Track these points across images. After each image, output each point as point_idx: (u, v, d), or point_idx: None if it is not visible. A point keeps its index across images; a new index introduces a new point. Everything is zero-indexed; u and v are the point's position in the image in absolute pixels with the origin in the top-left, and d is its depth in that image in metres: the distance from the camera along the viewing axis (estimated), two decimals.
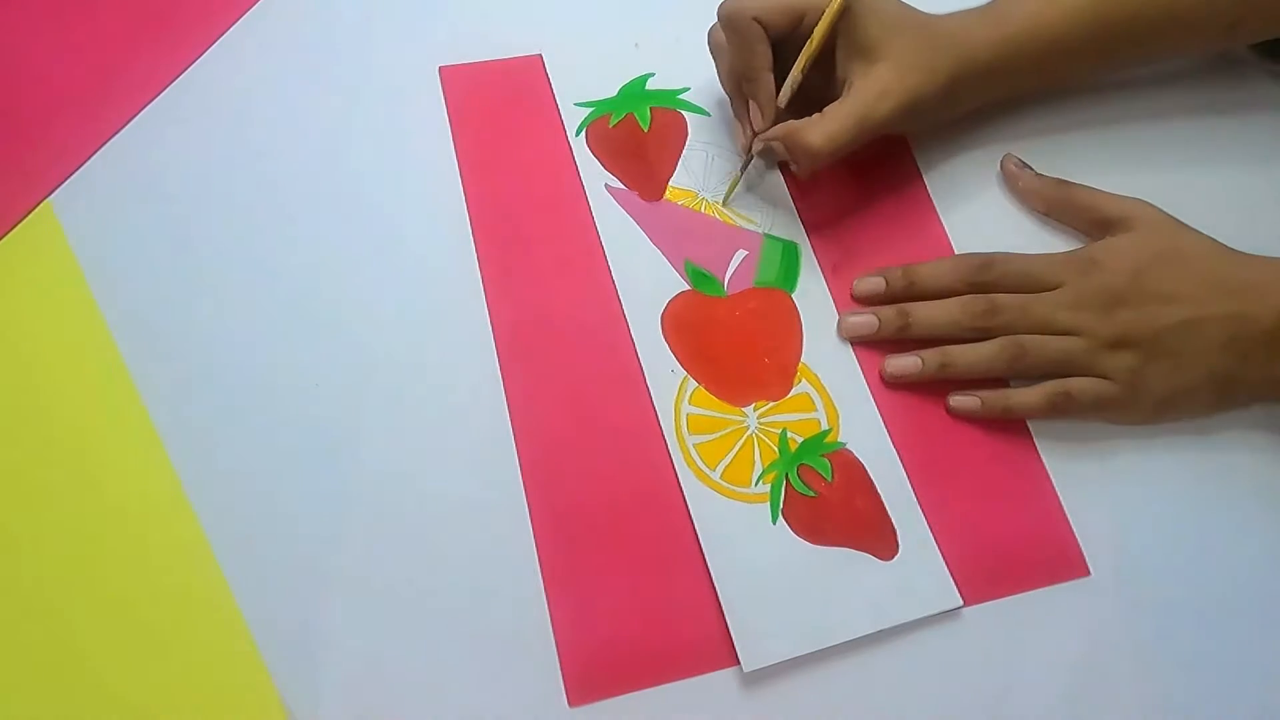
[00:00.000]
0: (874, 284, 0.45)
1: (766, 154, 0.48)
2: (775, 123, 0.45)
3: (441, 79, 0.49)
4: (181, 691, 0.38)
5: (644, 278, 0.46)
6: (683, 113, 0.50)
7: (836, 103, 0.44)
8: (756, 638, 0.39)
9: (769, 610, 0.39)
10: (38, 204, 0.46)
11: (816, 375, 0.44)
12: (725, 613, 0.39)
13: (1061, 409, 0.43)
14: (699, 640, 0.39)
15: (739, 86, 0.46)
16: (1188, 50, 0.50)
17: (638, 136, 0.49)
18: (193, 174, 0.47)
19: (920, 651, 0.40)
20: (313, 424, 0.42)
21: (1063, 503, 0.43)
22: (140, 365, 0.43)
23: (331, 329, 0.44)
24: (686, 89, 0.50)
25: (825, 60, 0.45)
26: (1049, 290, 0.43)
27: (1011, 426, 0.44)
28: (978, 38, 0.45)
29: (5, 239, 0.45)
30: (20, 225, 0.45)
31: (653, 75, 0.51)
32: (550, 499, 0.41)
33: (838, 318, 0.45)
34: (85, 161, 0.47)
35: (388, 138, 0.48)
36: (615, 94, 0.50)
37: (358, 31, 0.51)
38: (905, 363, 0.44)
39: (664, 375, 0.44)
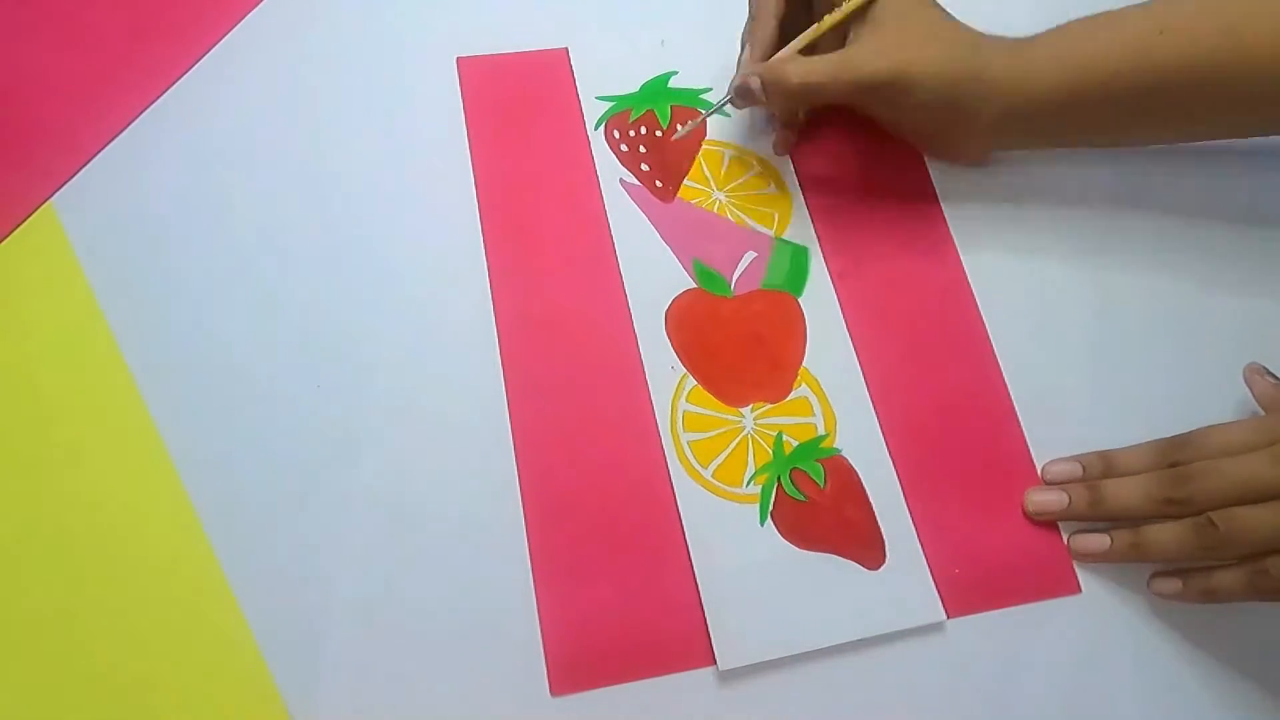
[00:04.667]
0: (1069, 468, 0.43)
1: (745, 95, 0.45)
2: None
3: (458, 70, 0.50)
4: (182, 691, 0.38)
5: (651, 274, 0.46)
6: (703, 112, 0.50)
7: (831, 53, 0.44)
8: (735, 637, 0.39)
9: (749, 611, 0.39)
10: (40, 205, 0.45)
11: (817, 380, 0.44)
12: (705, 610, 0.39)
13: (1263, 590, 0.38)
14: (683, 637, 0.39)
15: (749, 26, 0.46)
16: (1251, 122, 0.45)
17: (656, 133, 0.49)
18: (196, 174, 0.47)
19: (906, 662, 0.40)
20: (314, 423, 0.42)
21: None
22: (142, 366, 0.43)
23: (334, 328, 0.44)
24: (709, 89, 0.50)
25: (840, 34, 0.45)
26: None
27: (1008, 439, 0.44)
28: (1000, 53, 0.44)
29: (7, 240, 0.45)
30: (22, 227, 0.45)
31: (676, 74, 0.51)
32: (544, 490, 0.41)
33: (1026, 494, 0.43)
34: (88, 162, 0.46)
35: (400, 130, 0.48)
36: (637, 90, 0.50)
37: (376, 23, 0.51)
38: (1094, 542, 0.41)
39: (664, 371, 0.44)
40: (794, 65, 0.43)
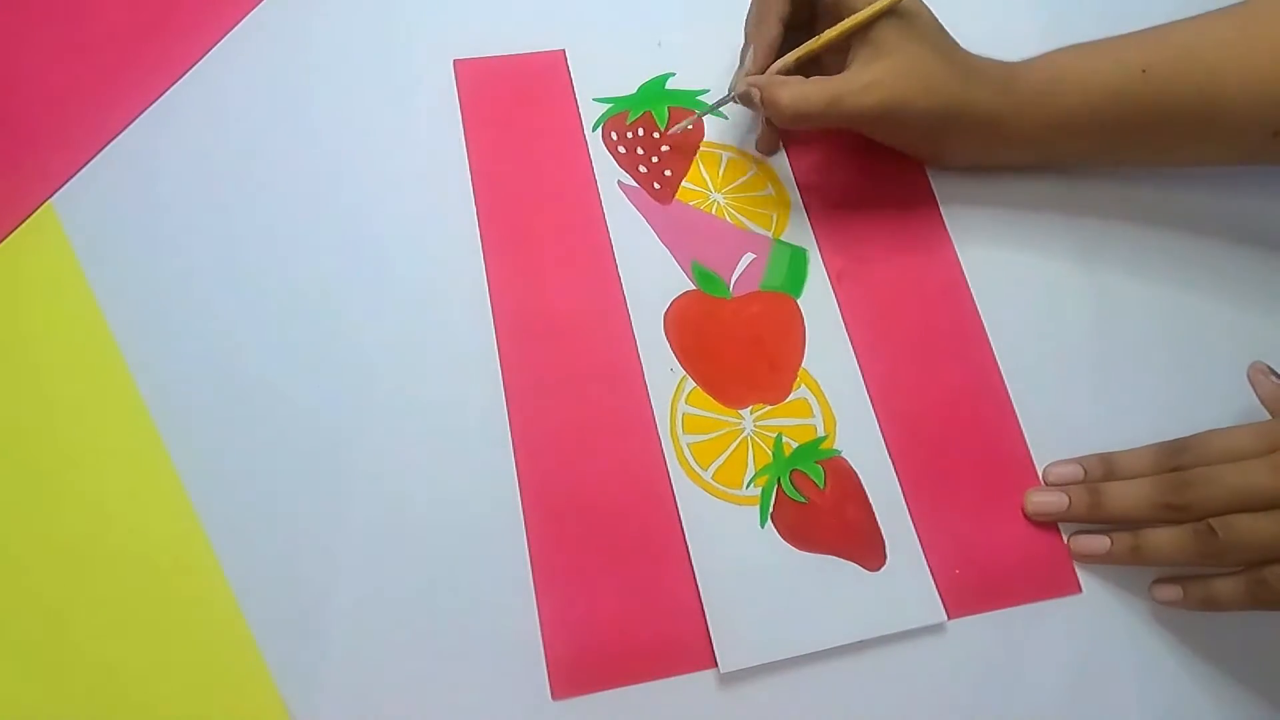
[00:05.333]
0: (1070, 470, 0.43)
1: (746, 101, 0.47)
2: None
3: (455, 72, 0.49)
4: (182, 691, 0.38)
5: (650, 276, 0.46)
6: (697, 113, 0.50)
7: (826, 77, 0.44)
8: (736, 639, 0.39)
9: (750, 613, 0.39)
10: (39, 205, 0.45)
11: (817, 381, 0.44)
12: (706, 612, 0.39)
13: (1262, 600, 0.38)
14: (684, 639, 0.39)
15: (752, 29, 0.46)
16: (1225, 156, 0.47)
17: (654, 135, 0.49)
18: (196, 174, 0.47)
19: (907, 662, 0.40)
20: (314, 423, 0.42)
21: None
22: (142, 366, 0.43)
23: (334, 328, 0.44)
24: (706, 91, 0.50)
25: (845, 44, 0.45)
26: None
27: (1007, 440, 0.44)
28: (982, 82, 0.44)
29: (7, 240, 0.45)
30: (22, 227, 0.45)
31: (673, 75, 0.51)
32: (544, 493, 0.41)
33: (1026, 495, 0.43)
34: (87, 162, 0.46)
35: (397, 133, 0.48)
36: (634, 91, 0.50)
37: (373, 25, 0.51)
38: (1094, 543, 0.42)
39: (663, 374, 0.44)
40: (788, 90, 0.43)
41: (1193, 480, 0.39)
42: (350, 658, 0.38)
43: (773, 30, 0.45)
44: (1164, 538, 0.39)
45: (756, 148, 0.49)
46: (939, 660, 0.40)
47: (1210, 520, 0.38)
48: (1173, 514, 0.39)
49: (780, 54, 0.46)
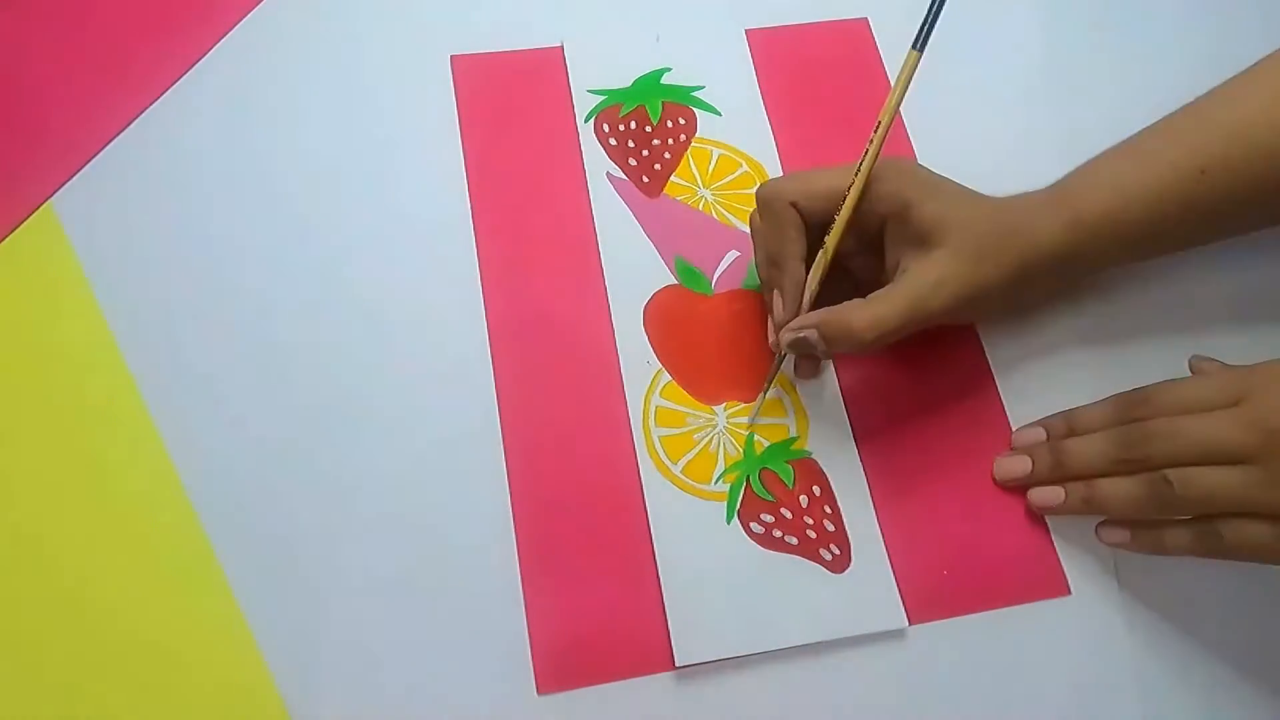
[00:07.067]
0: (1034, 434, 0.43)
1: (800, 346, 0.41)
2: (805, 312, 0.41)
3: (452, 68, 0.50)
4: (182, 691, 0.38)
5: (632, 268, 0.46)
6: (694, 109, 0.50)
7: (886, 287, 0.40)
8: (693, 633, 0.39)
9: (710, 608, 0.40)
10: (39, 205, 0.45)
11: (791, 382, 0.44)
12: (665, 605, 0.39)
13: (1211, 550, 0.38)
14: (665, 636, 0.39)
15: (770, 273, 0.42)
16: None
17: (645, 128, 0.49)
18: (195, 173, 0.47)
19: (900, 663, 0.40)
20: (313, 423, 0.42)
21: (1047, 520, 0.42)
22: (142, 366, 0.43)
23: (332, 329, 0.44)
24: (701, 87, 0.50)
25: (874, 244, 0.42)
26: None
27: (994, 438, 0.44)
28: (1047, 226, 0.41)
29: (7, 240, 0.45)
30: (22, 227, 0.45)
31: (669, 70, 0.51)
32: (531, 489, 0.41)
33: (995, 461, 0.43)
34: (87, 162, 0.47)
35: (394, 128, 0.48)
36: (629, 84, 0.50)
37: (370, 22, 0.51)
38: (1049, 495, 0.41)
39: (639, 366, 0.44)
40: (859, 316, 0.39)
41: (1152, 432, 0.39)
42: (347, 656, 0.39)
43: (797, 271, 0.41)
44: (1117, 489, 0.39)
45: (799, 375, 0.45)
46: (935, 660, 0.40)
47: (1166, 472, 0.38)
48: (1131, 468, 0.39)
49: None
